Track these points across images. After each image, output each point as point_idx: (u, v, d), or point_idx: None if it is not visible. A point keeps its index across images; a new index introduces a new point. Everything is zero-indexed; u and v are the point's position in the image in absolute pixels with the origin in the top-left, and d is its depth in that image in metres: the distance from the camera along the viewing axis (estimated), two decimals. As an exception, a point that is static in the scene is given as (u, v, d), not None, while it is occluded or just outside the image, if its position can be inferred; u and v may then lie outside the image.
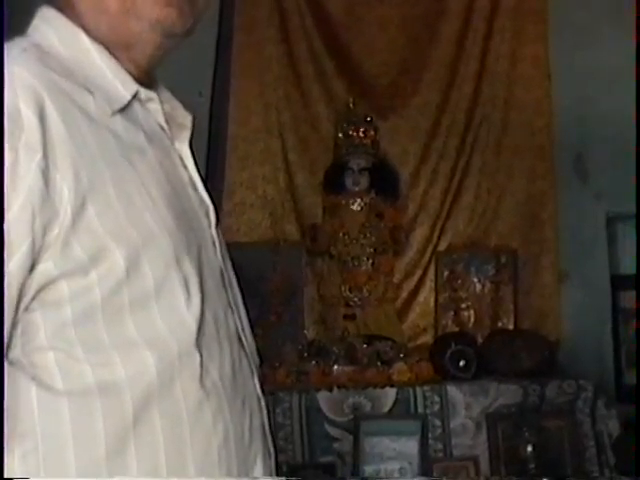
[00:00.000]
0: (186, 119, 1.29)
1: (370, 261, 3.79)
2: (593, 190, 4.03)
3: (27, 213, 1.03)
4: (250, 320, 1.31)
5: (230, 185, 3.97)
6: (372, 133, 3.86)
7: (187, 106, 1.31)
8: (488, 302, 3.95)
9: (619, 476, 3.33)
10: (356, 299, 3.76)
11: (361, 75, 4.09)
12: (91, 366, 1.08)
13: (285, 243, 3.91)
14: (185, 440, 1.13)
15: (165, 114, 1.24)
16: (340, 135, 3.88)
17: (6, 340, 1.06)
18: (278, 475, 1.33)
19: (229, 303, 1.24)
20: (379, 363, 3.46)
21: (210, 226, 1.25)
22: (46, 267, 1.06)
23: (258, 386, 1.27)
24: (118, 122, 1.16)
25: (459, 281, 3.96)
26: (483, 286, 3.96)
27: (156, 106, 1.24)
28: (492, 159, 4.06)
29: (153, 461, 1.11)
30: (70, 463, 1.08)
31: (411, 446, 3.31)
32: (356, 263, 3.79)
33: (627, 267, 3.93)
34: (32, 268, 1.05)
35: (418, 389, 3.38)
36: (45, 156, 1.05)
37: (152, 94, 1.23)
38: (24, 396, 1.07)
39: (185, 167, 1.26)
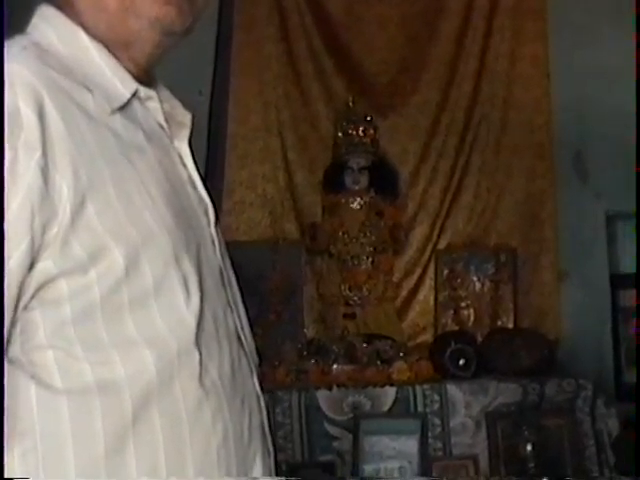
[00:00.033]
0: (185, 118, 1.28)
1: (370, 260, 3.80)
2: (593, 189, 4.04)
3: (26, 211, 1.03)
4: (249, 319, 1.30)
5: (229, 184, 3.97)
6: (372, 132, 3.87)
7: (187, 105, 1.30)
8: (488, 301, 3.95)
9: (619, 476, 3.33)
10: (356, 298, 3.76)
11: (361, 74, 4.10)
12: (90, 365, 1.08)
13: (284, 242, 3.91)
14: (184, 439, 1.12)
15: (164, 113, 1.24)
16: (340, 134, 3.89)
17: (5, 339, 1.06)
18: (277, 474, 1.33)
19: (228, 302, 1.24)
20: (379, 362, 3.46)
21: (209, 225, 1.25)
22: (45, 266, 1.06)
23: (257, 385, 1.27)
24: (117, 120, 1.16)
25: (459, 280, 3.96)
26: (483, 285, 3.97)
27: (155, 105, 1.23)
28: (491, 158, 4.07)
29: (152, 460, 1.10)
30: (69, 462, 1.08)
31: (411, 445, 3.32)
32: (356, 262, 3.79)
33: (627, 266, 3.93)
34: (31, 267, 1.05)
35: (418, 388, 3.38)
36: (44, 154, 1.04)
37: (151, 92, 1.23)
38: (23, 395, 1.07)
39: (184, 166, 1.26)
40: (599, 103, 3.91)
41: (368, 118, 3.88)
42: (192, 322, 1.13)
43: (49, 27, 1.20)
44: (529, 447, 3.32)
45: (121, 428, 1.09)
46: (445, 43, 4.08)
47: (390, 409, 3.38)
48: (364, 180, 3.82)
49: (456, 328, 3.90)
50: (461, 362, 3.45)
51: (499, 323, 3.93)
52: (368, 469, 3.29)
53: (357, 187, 3.83)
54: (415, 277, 4.04)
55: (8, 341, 1.07)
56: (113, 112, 1.16)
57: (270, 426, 1.29)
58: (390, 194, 3.87)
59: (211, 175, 3.83)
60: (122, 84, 1.19)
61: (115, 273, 1.08)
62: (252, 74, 4.03)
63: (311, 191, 4.01)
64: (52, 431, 1.07)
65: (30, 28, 1.21)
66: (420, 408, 3.37)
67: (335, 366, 3.43)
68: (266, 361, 3.28)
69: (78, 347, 1.08)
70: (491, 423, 3.36)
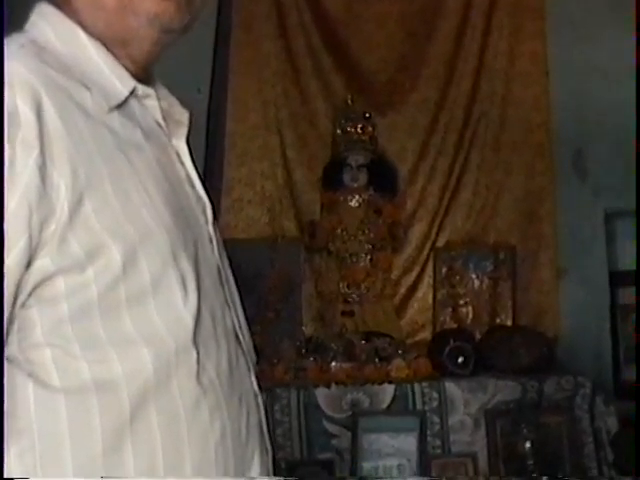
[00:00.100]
0: (183, 116, 1.28)
1: (368, 257, 3.80)
2: (592, 187, 4.04)
3: (24, 209, 1.03)
4: (247, 317, 1.31)
5: (228, 181, 3.97)
6: (370, 129, 3.87)
7: (185, 103, 1.30)
8: (486, 298, 3.95)
9: (619, 476, 3.33)
10: (354, 295, 3.76)
11: (359, 71, 4.09)
12: (88, 363, 1.08)
13: (283, 239, 3.91)
14: (182, 437, 1.12)
15: (162, 111, 1.24)
16: (338, 131, 3.89)
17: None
18: (276, 472, 1.33)
19: (226, 300, 1.24)
20: (377, 359, 3.46)
21: (207, 223, 1.25)
22: (43, 263, 1.05)
23: (255, 383, 1.27)
24: (115, 118, 1.16)
25: (457, 277, 3.96)
26: (481, 282, 3.96)
27: (153, 102, 1.23)
28: (490, 155, 4.07)
29: (150, 458, 1.10)
30: (67, 460, 1.08)
31: (409, 442, 3.32)
32: (354, 259, 3.79)
33: (625, 263, 3.93)
34: (29, 264, 1.05)
35: (416, 385, 3.38)
36: (42, 152, 1.04)
37: (149, 90, 1.23)
38: (21, 393, 1.07)
39: (182, 164, 1.26)
40: (598, 101, 3.91)
41: (367, 116, 3.88)
42: (190, 320, 1.13)
43: (47, 25, 1.20)
44: (528, 445, 3.32)
45: (119, 426, 1.09)
46: (444, 41, 4.08)
47: (389, 407, 3.38)
48: (363, 178, 3.82)
49: (455, 326, 3.90)
50: (460, 360, 3.45)
51: (498, 321, 3.93)
52: (367, 467, 3.29)
53: (356, 185, 3.83)
54: (414, 275, 4.04)
55: (5, 339, 1.07)
56: (111, 110, 1.16)
57: (268, 424, 1.29)
58: (389, 192, 3.87)
59: (210, 173, 3.84)
60: (120, 82, 1.19)
61: (112, 271, 1.08)
62: (251, 72, 4.03)
63: (310, 189, 4.01)
64: (49, 429, 1.07)
65: (28, 26, 1.21)
66: (419, 406, 3.37)
67: (334, 364, 3.43)
68: (265, 359, 3.28)
69: (76, 345, 1.08)
70: (490, 421, 3.36)
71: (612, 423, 3.42)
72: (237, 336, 1.24)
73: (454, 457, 3.37)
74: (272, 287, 3.78)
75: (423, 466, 3.31)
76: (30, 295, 1.07)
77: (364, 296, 3.76)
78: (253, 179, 4.00)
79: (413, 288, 4.04)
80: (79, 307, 1.07)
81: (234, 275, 1.30)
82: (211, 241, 1.24)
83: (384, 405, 3.38)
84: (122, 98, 1.18)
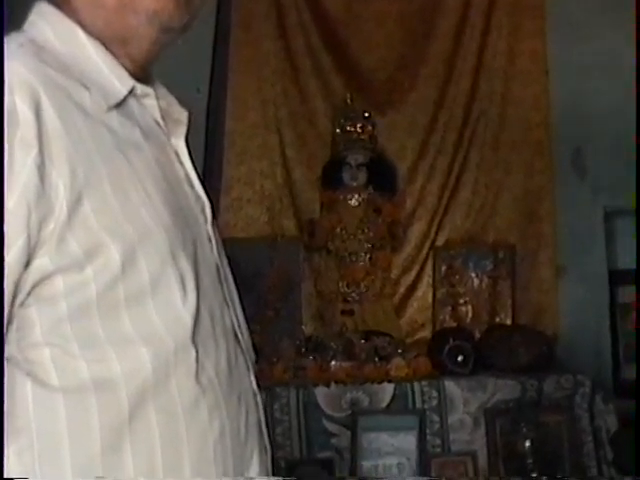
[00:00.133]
0: (182, 115, 1.28)
1: (368, 256, 3.80)
2: (591, 185, 4.04)
3: (23, 209, 1.03)
4: (247, 316, 1.31)
5: (228, 180, 3.97)
6: (370, 128, 3.87)
7: (185, 102, 1.30)
8: (486, 297, 3.95)
9: (619, 475, 3.33)
10: (354, 294, 3.76)
11: (359, 70, 4.09)
12: (86, 362, 1.08)
13: (283, 238, 3.91)
14: (181, 436, 1.12)
15: (161, 110, 1.24)
16: (338, 130, 3.89)
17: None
18: (276, 471, 1.33)
19: (225, 299, 1.24)
20: (377, 358, 3.46)
21: (206, 222, 1.25)
22: (42, 262, 1.06)
23: (254, 382, 1.27)
24: (114, 117, 1.16)
25: (457, 276, 3.96)
26: (481, 281, 3.96)
27: (152, 102, 1.23)
28: (490, 154, 4.07)
29: (149, 457, 1.10)
30: (65, 459, 1.08)
31: (409, 441, 3.32)
32: (354, 258, 3.79)
33: (625, 262, 3.93)
34: (28, 263, 1.05)
35: (416, 384, 3.38)
36: (41, 152, 1.04)
37: (148, 90, 1.23)
38: (19, 392, 1.07)
39: (181, 163, 1.26)
40: (598, 99, 3.91)
41: (366, 115, 3.88)
42: (188, 320, 1.13)
43: (46, 24, 1.20)
44: (527, 443, 3.32)
45: (117, 425, 1.09)
46: (443, 40, 4.08)
47: (388, 406, 3.38)
48: (362, 177, 3.83)
49: (454, 325, 3.90)
50: (459, 359, 3.45)
51: (497, 319, 3.93)
52: (366, 465, 3.29)
53: (355, 184, 3.83)
54: (413, 274, 4.04)
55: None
56: (110, 109, 1.16)
57: (267, 423, 1.29)
58: (388, 191, 3.87)
59: (209, 172, 3.84)
60: (119, 81, 1.19)
61: (111, 270, 1.08)
62: (250, 71, 4.02)
63: (309, 188, 4.01)
64: (48, 428, 1.08)
65: (27, 25, 1.21)
66: (418, 405, 3.37)
67: (333, 363, 3.43)
68: (264, 358, 3.28)
69: (74, 344, 1.08)
70: (489, 420, 3.36)
71: (612, 422, 3.42)
72: (236, 335, 1.24)
73: (454, 456, 3.37)
74: (271, 286, 3.78)
75: (423, 465, 3.31)
76: (29, 294, 1.07)
77: (363, 295, 3.77)
78: (252, 178, 4.00)
79: (412, 287, 4.04)
80: (78, 306, 1.07)
81: (233, 274, 1.30)
82: (210, 240, 1.24)
83: (384, 404, 3.38)
84: (121, 97, 1.18)
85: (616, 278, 4.01)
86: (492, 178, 4.06)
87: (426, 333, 3.93)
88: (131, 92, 1.20)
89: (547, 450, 3.34)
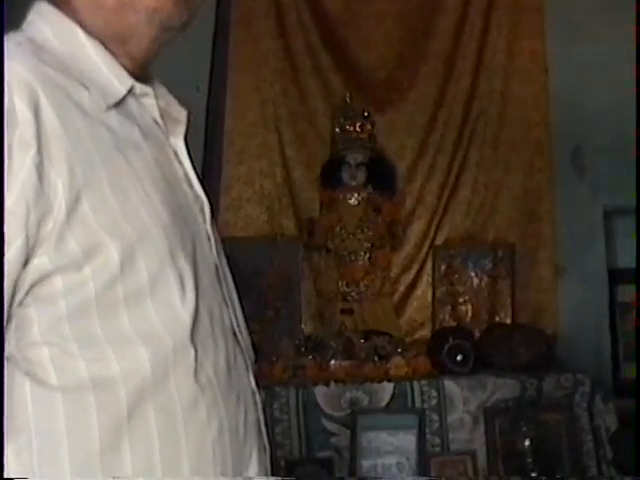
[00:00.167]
0: (181, 114, 1.28)
1: (367, 255, 3.80)
2: (591, 184, 4.04)
3: (21, 208, 1.03)
4: (246, 315, 1.30)
5: (227, 180, 3.96)
6: (369, 127, 3.87)
7: (184, 101, 1.30)
8: (485, 296, 3.95)
9: (618, 474, 3.33)
10: (353, 294, 3.76)
11: (358, 69, 4.09)
12: (85, 361, 1.08)
13: (282, 238, 3.91)
14: (180, 435, 1.12)
15: (160, 109, 1.24)
16: (337, 130, 3.88)
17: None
18: (275, 470, 1.33)
19: (224, 299, 1.24)
20: (376, 358, 3.45)
21: (205, 222, 1.25)
22: (40, 262, 1.05)
23: (253, 381, 1.27)
24: (113, 117, 1.16)
25: (456, 275, 3.96)
26: (480, 280, 3.96)
27: (151, 101, 1.23)
28: (489, 153, 4.06)
29: (147, 456, 1.10)
30: (64, 458, 1.08)
31: (408, 441, 3.32)
32: (353, 258, 3.79)
33: (625, 261, 3.93)
34: (26, 263, 1.05)
35: (415, 384, 3.38)
36: (39, 151, 1.04)
37: (147, 89, 1.23)
38: (18, 391, 1.07)
39: (180, 162, 1.26)
40: (597, 98, 3.91)
41: (365, 114, 3.88)
42: (187, 319, 1.13)
43: (45, 24, 1.20)
44: (527, 443, 3.32)
45: (116, 424, 1.09)
46: (442, 39, 4.08)
47: (388, 405, 3.38)
48: (361, 176, 3.82)
49: (454, 324, 3.90)
50: (459, 358, 3.45)
51: (497, 319, 3.93)
52: (366, 465, 3.29)
53: (354, 183, 3.83)
54: (413, 273, 4.04)
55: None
56: (108, 108, 1.16)
57: (266, 422, 1.29)
58: (388, 190, 3.87)
59: (208, 171, 3.83)
60: (118, 80, 1.19)
61: (110, 269, 1.08)
62: (249, 70, 4.02)
63: (309, 187, 4.00)
64: (47, 428, 1.08)
65: (26, 24, 1.21)
66: (418, 404, 3.37)
67: (333, 362, 3.42)
68: (264, 357, 3.28)
69: (73, 344, 1.08)
70: (489, 419, 3.36)
71: (611, 421, 3.42)
72: (235, 334, 1.24)
73: (453, 455, 3.37)
74: (271, 285, 3.77)
75: (422, 464, 3.31)
76: (28, 293, 1.07)
77: (363, 294, 3.76)
78: (252, 177, 3.99)
79: (412, 286, 4.03)
80: (77, 306, 1.07)
81: (233, 273, 1.30)
82: (209, 240, 1.24)
83: (383, 403, 3.37)
84: (120, 97, 1.18)
85: (616, 277, 4.01)
86: (491, 177, 4.06)
87: (426, 332, 3.93)
88: (130, 91, 1.20)
89: (547, 449, 3.34)
